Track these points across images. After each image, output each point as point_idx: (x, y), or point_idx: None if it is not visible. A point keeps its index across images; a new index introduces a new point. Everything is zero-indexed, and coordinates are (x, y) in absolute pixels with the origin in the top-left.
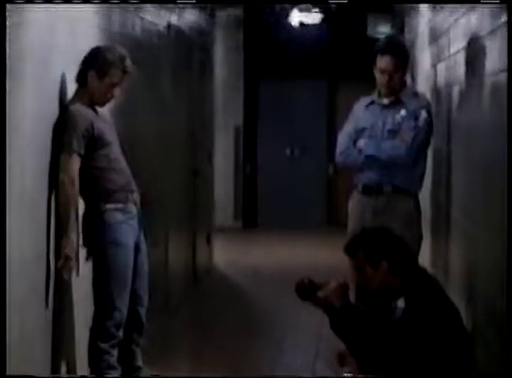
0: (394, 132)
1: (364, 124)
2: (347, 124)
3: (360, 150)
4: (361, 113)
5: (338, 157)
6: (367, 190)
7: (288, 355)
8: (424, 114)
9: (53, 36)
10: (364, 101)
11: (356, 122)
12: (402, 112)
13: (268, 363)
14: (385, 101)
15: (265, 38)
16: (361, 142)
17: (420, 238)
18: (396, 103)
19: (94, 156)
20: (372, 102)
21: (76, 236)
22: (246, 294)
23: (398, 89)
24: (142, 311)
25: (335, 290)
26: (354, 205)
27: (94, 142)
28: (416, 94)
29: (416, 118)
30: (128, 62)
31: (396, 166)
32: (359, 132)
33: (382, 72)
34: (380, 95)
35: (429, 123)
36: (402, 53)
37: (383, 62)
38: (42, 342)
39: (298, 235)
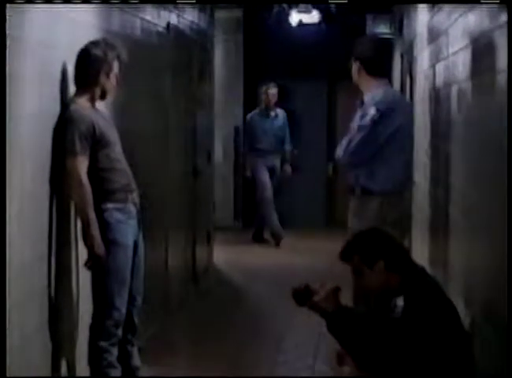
0: None
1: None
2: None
3: None
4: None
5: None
6: (348, 191)
7: (288, 354)
8: (372, 112)
9: (53, 36)
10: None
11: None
12: (359, 112)
13: (268, 362)
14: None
15: (265, 39)
16: None
17: None
18: (362, 104)
19: (95, 156)
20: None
21: (98, 235)
22: (245, 293)
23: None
24: (135, 312)
25: (327, 296)
26: None
27: (96, 143)
28: (378, 94)
29: (363, 117)
30: (119, 50)
31: (360, 167)
32: None
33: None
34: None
35: (376, 119)
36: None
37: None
38: (42, 342)
39: (298, 234)
